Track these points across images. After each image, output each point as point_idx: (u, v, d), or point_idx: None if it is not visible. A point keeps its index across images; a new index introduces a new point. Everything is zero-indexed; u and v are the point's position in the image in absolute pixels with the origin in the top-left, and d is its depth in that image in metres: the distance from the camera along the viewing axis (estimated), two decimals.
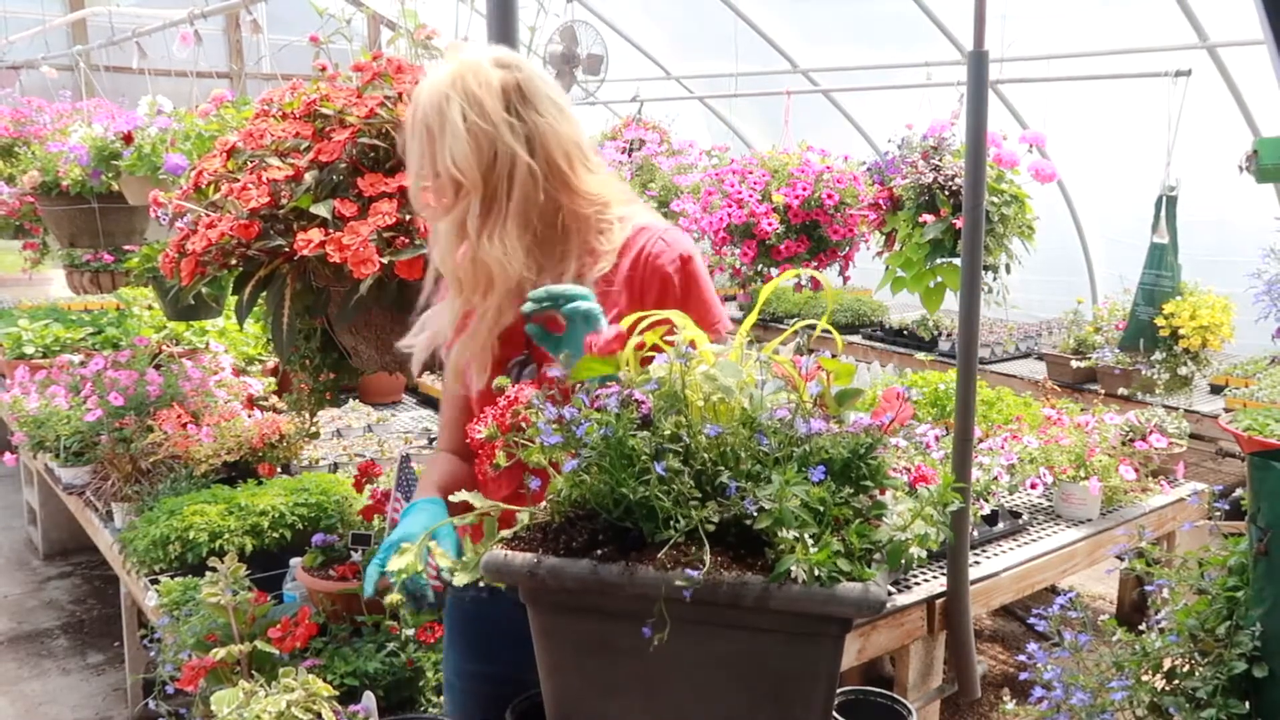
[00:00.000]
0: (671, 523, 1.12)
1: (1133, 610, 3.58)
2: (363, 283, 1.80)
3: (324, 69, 2.16)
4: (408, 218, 1.84)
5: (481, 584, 1.25)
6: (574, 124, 1.63)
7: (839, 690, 1.47)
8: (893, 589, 2.64)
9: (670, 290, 1.61)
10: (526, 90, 1.58)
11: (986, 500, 3.01)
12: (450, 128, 1.54)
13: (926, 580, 2.71)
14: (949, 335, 5.76)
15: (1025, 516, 3.15)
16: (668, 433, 1.16)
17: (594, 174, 1.64)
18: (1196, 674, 1.47)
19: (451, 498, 1.35)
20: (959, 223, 3.47)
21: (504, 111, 1.56)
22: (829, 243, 4.53)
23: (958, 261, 3.75)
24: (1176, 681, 1.49)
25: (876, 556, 1.14)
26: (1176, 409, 4.02)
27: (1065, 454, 3.25)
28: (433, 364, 2.10)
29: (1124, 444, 3.39)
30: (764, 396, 1.23)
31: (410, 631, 2.13)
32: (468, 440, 1.41)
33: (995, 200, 3.63)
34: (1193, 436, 3.97)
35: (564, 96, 1.65)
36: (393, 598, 1.37)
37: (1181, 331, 4.41)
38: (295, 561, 2.44)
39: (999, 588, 2.84)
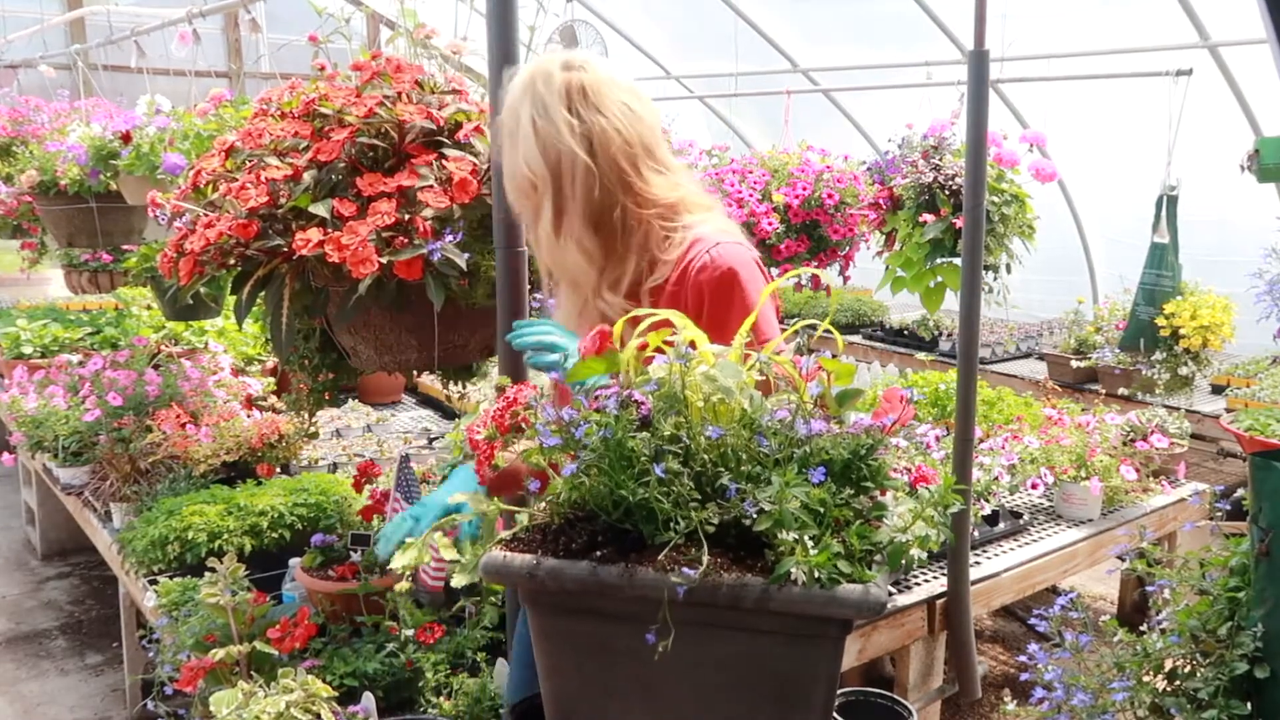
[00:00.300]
0: (671, 525, 1.12)
1: (1134, 611, 3.58)
2: (361, 283, 1.79)
3: (323, 68, 2.16)
4: (406, 217, 1.83)
5: None
6: (645, 126, 1.65)
7: (839, 691, 1.47)
8: (893, 589, 2.63)
9: (705, 304, 1.59)
10: (590, 91, 1.61)
11: (987, 500, 3.00)
12: (523, 130, 1.61)
13: (927, 581, 2.70)
14: (949, 335, 5.75)
15: (1026, 517, 3.15)
16: (667, 434, 1.15)
17: (662, 176, 1.66)
18: (1198, 675, 1.46)
19: (458, 497, 1.34)
20: (959, 222, 3.47)
21: (565, 112, 1.60)
22: (829, 242, 4.53)
23: (958, 261, 3.74)
24: (1178, 682, 1.49)
25: (877, 558, 1.14)
26: (1177, 409, 4.02)
27: (1066, 454, 3.24)
28: (431, 366, 2.10)
29: (1125, 444, 3.39)
30: (764, 397, 1.22)
31: (410, 632, 2.12)
32: None
33: (995, 200, 3.63)
34: (1194, 436, 3.97)
35: (638, 99, 1.67)
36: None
37: (1182, 331, 4.41)
38: (294, 562, 2.44)
39: (1000, 588, 2.83)
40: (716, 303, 1.59)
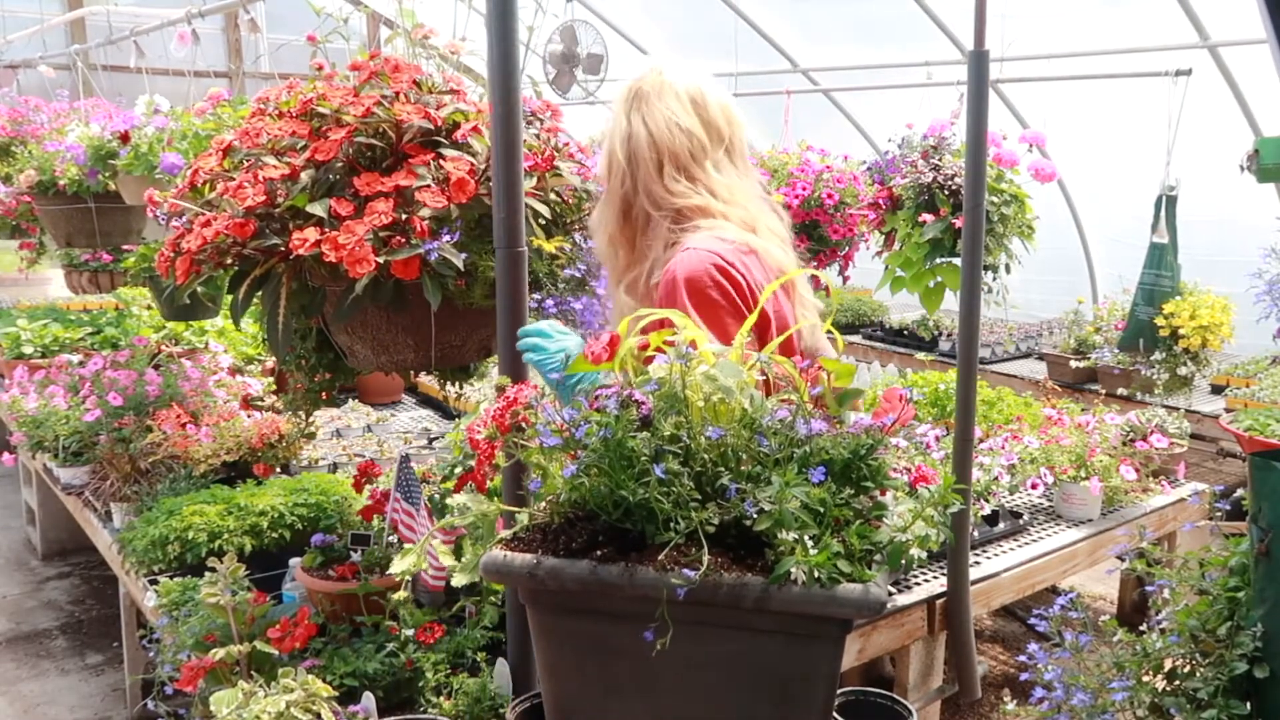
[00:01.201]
0: (671, 524, 1.12)
1: (1134, 611, 3.57)
2: (358, 282, 1.79)
3: (320, 68, 2.15)
4: (404, 217, 1.83)
5: None
6: (681, 136, 1.78)
7: (839, 691, 1.47)
8: (893, 589, 2.63)
9: (659, 307, 1.70)
10: (642, 97, 1.81)
11: (987, 500, 3.00)
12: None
13: (927, 580, 2.70)
14: (949, 335, 5.75)
15: (1026, 517, 3.15)
16: (667, 434, 1.15)
17: (681, 184, 1.78)
18: (1197, 675, 1.46)
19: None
20: (959, 222, 3.47)
21: (623, 115, 1.81)
22: (829, 242, 4.53)
23: (957, 261, 3.74)
24: (1177, 682, 1.49)
25: (877, 557, 1.14)
26: (1177, 409, 4.02)
27: (1066, 454, 3.24)
28: (428, 366, 2.10)
29: (1125, 444, 3.39)
30: (764, 397, 1.22)
31: (410, 632, 2.12)
32: None
33: (995, 200, 3.63)
34: (1193, 436, 3.97)
35: (690, 111, 1.80)
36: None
37: (1181, 331, 4.41)
38: (294, 562, 2.43)
39: (1000, 588, 2.83)
40: (663, 307, 1.69)
